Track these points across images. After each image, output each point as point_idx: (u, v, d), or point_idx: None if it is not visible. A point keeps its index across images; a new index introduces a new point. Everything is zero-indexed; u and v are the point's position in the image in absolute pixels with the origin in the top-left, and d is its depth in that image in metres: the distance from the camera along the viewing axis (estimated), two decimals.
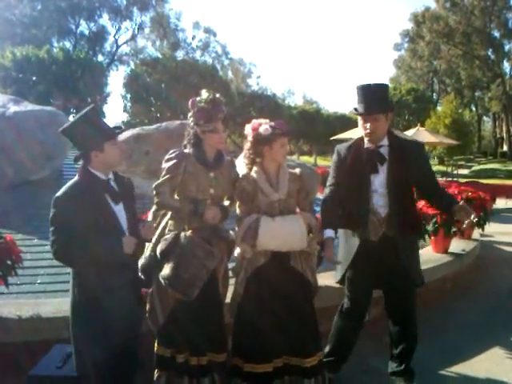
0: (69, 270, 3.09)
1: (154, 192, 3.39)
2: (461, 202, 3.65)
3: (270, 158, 3.54)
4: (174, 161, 3.37)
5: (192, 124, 3.46)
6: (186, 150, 3.47)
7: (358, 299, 3.79)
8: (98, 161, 3.01)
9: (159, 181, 3.39)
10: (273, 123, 3.52)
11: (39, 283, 4.85)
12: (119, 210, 3.08)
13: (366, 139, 3.71)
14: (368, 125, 3.60)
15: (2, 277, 3.93)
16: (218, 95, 3.48)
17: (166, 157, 3.43)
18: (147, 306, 3.44)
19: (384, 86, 3.79)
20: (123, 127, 3.29)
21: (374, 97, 3.60)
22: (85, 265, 2.90)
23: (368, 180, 3.65)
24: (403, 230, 3.63)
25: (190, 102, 3.46)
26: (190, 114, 3.47)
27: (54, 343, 3.49)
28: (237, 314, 3.51)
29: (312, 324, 3.52)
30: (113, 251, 2.93)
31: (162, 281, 3.26)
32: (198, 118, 3.40)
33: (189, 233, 3.36)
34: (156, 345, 3.44)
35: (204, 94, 3.45)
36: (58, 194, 2.93)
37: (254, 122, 3.59)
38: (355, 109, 3.72)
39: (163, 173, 3.39)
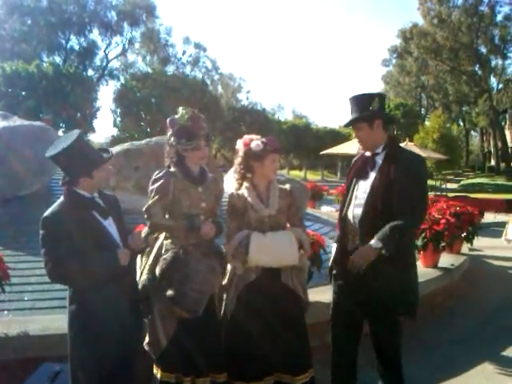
0: (58, 286, 3.07)
1: (146, 215, 3.36)
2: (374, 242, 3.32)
3: (260, 174, 3.55)
4: (162, 180, 3.35)
5: (173, 143, 3.43)
6: (171, 169, 3.46)
7: (336, 310, 3.72)
8: (85, 184, 3.01)
9: (149, 202, 3.36)
10: (264, 139, 3.54)
11: (27, 300, 4.79)
12: (109, 224, 3.08)
13: None
14: (354, 134, 3.67)
15: None
16: (196, 111, 3.47)
17: (153, 178, 3.41)
18: (148, 332, 3.39)
19: (367, 95, 3.71)
20: (111, 151, 3.21)
21: (355, 107, 3.62)
22: (81, 282, 2.88)
23: (354, 184, 3.65)
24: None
25: (168, 121, 3.44)
26: (169, 133, 3.44)
27: (42, 361, 3.44)
28: (227, 331, 3.48)
29: (303, 340, 3.50)
30: (109, 264, 2.93)
31: (168, 300, 3.22)
32: (179, 137, 3.37)
33: (189, 249, 3.33)
34: (159, 371, 3.34)
35: (181, 111, 3.43)
36: (45, 214, 2.91)
37: (246, 137, 3.59)
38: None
39: (152, 194, 3.36)
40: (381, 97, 3.68)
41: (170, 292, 3.22)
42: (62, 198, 3.00)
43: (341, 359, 3.73)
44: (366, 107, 3.60)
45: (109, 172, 3.15)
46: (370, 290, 3.40)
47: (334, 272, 3.71)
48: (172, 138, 3.42)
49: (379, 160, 3.58)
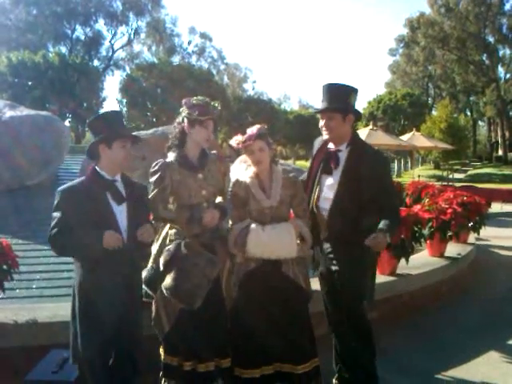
0: (65, 274, 3.11)
1: (149, 207, 3.39)
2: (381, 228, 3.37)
3: (254, 164, 3.53)
4: (158, 173, 3.36)
5: (180, 119, 3.44)
6: (168, 159, 3.43)
7: (324, 299, 3.80)
8: (105, 157, 3.12)
9: (150, 196, 3.38)
10: (247, 133, 3.50)
11: (35, 288, 4.84)
12: (121, 210, 3.12)
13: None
14: (322, 122, 3.58)
15: None
16: (213, 102, 3.52)
17: (151, 170, 3.42)
18: (153, 315, 3.43)
19: (346, 88, 3.63)
20: (140, 139, 3.38)
21: (332, 96, 3.55)
22: (69, 254, 3.11)
23: (318, 179, 3.67)
24: (344, 241, 3.50)
25: (183, 101, 3.47)
26: (181, 110, 3.46)
27: (51, 348, 3.48)
28: (230, 317, 3.48)
29: (305, 330, 3.47)
30: (91, 244, 2.95)
31: (164, 291, 3.26)
32: (192, 110, 3.38)
33: (189, 241, 3.34)
34: (163, 353, 3.41)
35: (200, 97, 3.48)
36: (63, 186, 3.08)
37: (248, 130, 3.55)
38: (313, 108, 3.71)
39: (151, 187, 3.39)
40: (357, 93, 3.65)
41: (165, 284, 3.26)
42: (84, 176, 3.19)
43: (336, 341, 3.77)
44: (344, 99, 3.56)
45: (129, 156, 3.22)
46: (335, 280, 3.56)
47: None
48: (184, 110, 3.42)
49: (342, 157, 3.58)
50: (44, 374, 3.20)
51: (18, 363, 3.55)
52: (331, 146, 3.66)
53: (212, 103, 3.48)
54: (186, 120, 3.42)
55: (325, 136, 3.64)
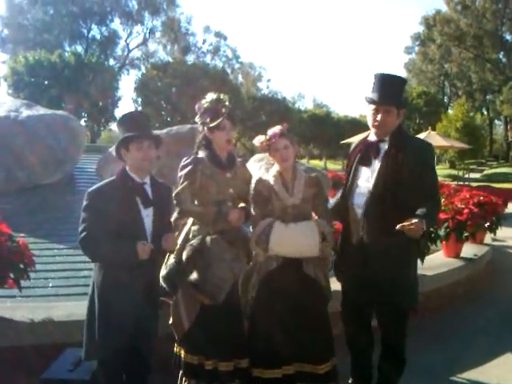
0: (81, 273, 3.12)
1: (175, 201, 3.38)
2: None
3: (278, 162, 3.55)
4: (190, 167, 3.36)
5: (200, 127, 3.48)
6: (199, 155, 3.46)
7: (344, 299, 3.71)
8: (128, 159, 3.13)
9: (178, 189, 3.36)
10: (270, 133, 3.53)
11: (51, 287, 4.88)
12: (147, 214, 3.12)
13: (372, 131, 3.47)
14: (379, 116, 3.35)
15: (14, 280, 3.95)
16: (222, 95, 3.49)
17: (181, 164, 3.41)
18: (171, 314, 3.43)
19: (402, 80, 3.59)
20: (161, 140, 3.34)
21: (391, 87, 3.35)
22: (101, 260, 3.02)
23: (355, 171, 3.49)
24: (382, 240, 3.24)
25: (196, 106, 3.49)
26: (196, 118, 3.48)
27: (66, 347, 3.51)
28: (248, 318, 3.48)
29: (325, 330, 3.48)
30: (125, 255, 2.96)
31: (191, 285, 3.26)
32: (204, 117, 3.41)
33: (215, 236, 3.36)
34: (183, 353, 3.41)
35: (209, 96, 3.48)
36: (91, 188, 3.06)
37: (269, 130, 3.57)
38: (369, 98, 3.42)
39: (181, 180, 3.37)
40: (406, 84, 3.55)
41: (192, 277, 3.26)
42: (113, 177, 3.14)
43: (354, 347, 3.71)
44: (401, 93, 3.46)
45: (147, 156, 3.14)
46: (376, 287, 3.34)
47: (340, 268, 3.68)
48: (198, 120, 3.45)
49: (384, 147, 3.38)
50: (60, 373, 3.22)
51: (33, 361, 3.58)
52: (372, 137, 3.49)
53: (221, 97, 3.46)
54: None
55: (373, 130, 3.45)
